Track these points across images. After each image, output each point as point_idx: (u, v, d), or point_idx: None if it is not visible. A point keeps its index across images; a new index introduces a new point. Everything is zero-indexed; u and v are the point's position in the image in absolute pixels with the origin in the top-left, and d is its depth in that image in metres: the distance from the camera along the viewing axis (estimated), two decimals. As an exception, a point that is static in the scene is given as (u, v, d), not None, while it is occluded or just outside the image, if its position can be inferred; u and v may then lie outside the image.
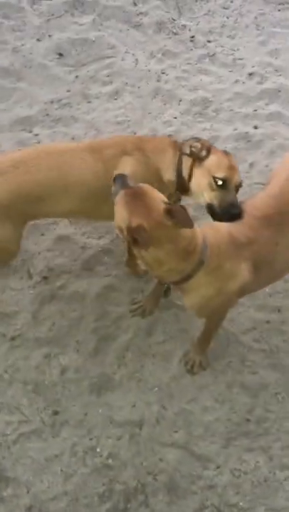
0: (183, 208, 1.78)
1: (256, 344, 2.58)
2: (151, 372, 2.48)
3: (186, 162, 2.24)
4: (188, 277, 1.92)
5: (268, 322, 2.63)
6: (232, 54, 3.54)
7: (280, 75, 3.46)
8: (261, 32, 3.64)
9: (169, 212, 1.77)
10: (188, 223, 1.78)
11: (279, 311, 2.67)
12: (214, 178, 2.16)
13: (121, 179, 1.89)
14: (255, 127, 3.23)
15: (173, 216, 1.76)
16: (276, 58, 3.54)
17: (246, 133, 3.20)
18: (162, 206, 1.78)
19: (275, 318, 2.64)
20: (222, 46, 3.60)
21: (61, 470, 2.21)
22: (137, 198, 1.80)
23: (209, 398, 2.43)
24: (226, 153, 2.25)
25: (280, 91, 3.37)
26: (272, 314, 2.65)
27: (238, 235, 2.05)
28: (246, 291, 2.18)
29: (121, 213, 1.80)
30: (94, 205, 2.30)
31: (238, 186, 2.22)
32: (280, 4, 3.78)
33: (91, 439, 2.29)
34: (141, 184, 1.86)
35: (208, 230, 2.01)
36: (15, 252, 2.38)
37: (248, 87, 3.39)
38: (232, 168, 2.19)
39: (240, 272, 2.04)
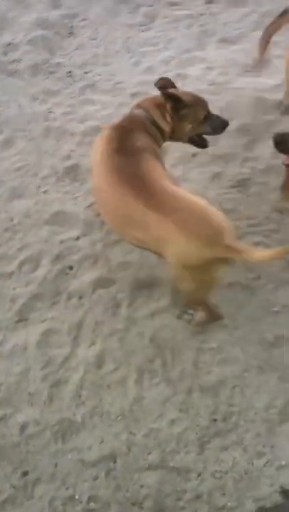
0: None
1: (204, 345, 2.63)
2: (111, 402, 2.46)
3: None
4: None
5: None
6: (110, 80, 3.67)
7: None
8: (132, 54, 3.81)
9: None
10: None
11: (217, 307, 2.74)
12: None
13: None
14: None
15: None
16: (152, 75, 3.70)
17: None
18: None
19: (215, 315, 2.72)
20: (99, 75, 3.73)
21: (45, 530, 2.13)
22: None
23: (173, 410, 2.44)
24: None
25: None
26: (211, 312, 2.72)
27: None
28: None
29: None
30: None
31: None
32: (141, 26, 3.98)
33: (67, 489, 2.22)
34: None
35: None
36: None
37: (134, 107, 3.52)
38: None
39: None
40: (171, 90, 2.49)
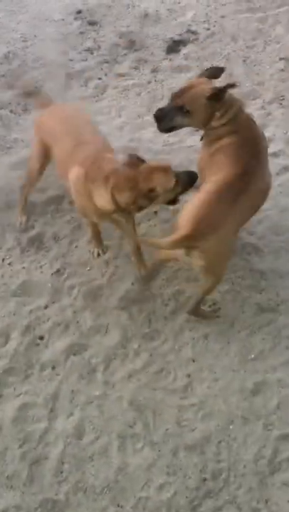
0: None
1: (185, 401, 2.58)
2: (95, 474, 2.35)
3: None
4: None
5: (188, 376, 2.66)
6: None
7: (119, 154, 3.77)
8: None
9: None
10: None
11: (194, 361, 2.71)
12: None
13: None
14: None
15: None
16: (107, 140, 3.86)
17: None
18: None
19: (193, 368, 2.68)
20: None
21: None
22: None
23: (160, 474, 2.34)
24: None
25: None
26: (189, 366, 2.69)
27: None
28: None
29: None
30: None
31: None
32: (93, 97, 4.18)
33: None
34: None
35: None
36: None
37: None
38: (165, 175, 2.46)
39: None
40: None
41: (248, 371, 2.66)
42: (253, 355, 2.72)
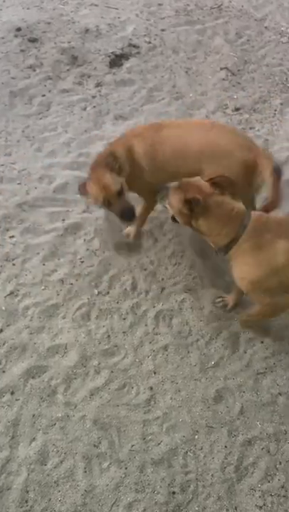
0: (225, 176, 2.35)
1: (149, 415, 2.55)
2: (62, 500, 2.28)
3: None
4: (234, 240, 2.35)
5: (150, 389, 2.64)
6: (14, 169, 3.73)
7: (67, 170, 3.73)
8: (33, 141, 3.92)
9: (213, 183, 2.34)
10: (230, 183, 2.34)
11: (155, 373, 2.70)
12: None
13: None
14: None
15: (218, 186, 2.34)
16: (55, 157, 3.81)
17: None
18: (207, 183, 2.35)
19: (155, 381, 2.66)
20: (2, 165, 3.77)
21: None
22: (184, 184, 2.41)
23: (128, 493, 2.30)
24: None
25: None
26: (150, 379, 2.67)
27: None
28: None
29: (175, 197, 2.40)
30: None
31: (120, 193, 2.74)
32: (38, 114, 4.14)
33: None
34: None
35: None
36: None
37: (43, 190, 3.57)
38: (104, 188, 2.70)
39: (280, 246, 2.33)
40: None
41: (209, 379, 2.67)
42: (212, 363, 2.73)
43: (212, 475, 2.37)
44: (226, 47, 4.72)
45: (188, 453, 2.43)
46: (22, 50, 4.51)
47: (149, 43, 4.71)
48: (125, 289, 3.00)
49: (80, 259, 3.14)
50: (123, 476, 2.35)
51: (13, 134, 3.95)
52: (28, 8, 4.93)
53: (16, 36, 4.62)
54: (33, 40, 4.62)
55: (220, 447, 2.46)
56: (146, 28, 4.86)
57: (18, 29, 4.70)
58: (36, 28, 4.72)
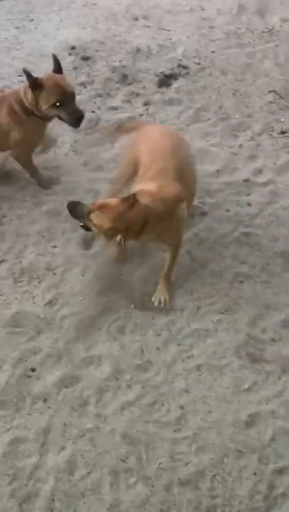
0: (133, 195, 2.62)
1: (179, 434, 2.54)
2: (87, 512, 2.29)
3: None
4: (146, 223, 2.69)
5: (181, 407, 2.63)
6: (61, 182, 3.83)
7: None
8: (80, 155, 4.03)
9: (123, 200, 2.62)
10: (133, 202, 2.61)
11: (187, 392, 2.69)
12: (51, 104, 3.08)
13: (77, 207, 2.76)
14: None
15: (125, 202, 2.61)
16: (102, 173, 3.90)
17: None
18: (117, 201, 2.63)
19: (187, 400, 2.65)
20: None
21: None
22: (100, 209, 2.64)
23: (154, 511, 2.28)
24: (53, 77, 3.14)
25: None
26: (182, 397, 2.66)
27: None
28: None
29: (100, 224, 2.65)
30: None
31: (71, 95, 3.13)
32: (87, 129, 4.25)
33: None
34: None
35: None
36: None
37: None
38: (58, 87, 3.06)
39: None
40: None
41: (242, 402, 2.63)
42: (246, 386, 2.69)
43: (240, 501, 2.32)
44: (275, 70, 4.73)
45: (217, 476, 2.39)
46: (75, 68, 4.67)
47: (199, 64, 4.78)
48: (161, 305, 3.01)
49: (120, 272, 3.17)
50: (149, 493, 2.34)
51: (62, 147, 4.06)
52: (83, 28, 5.11)
53: (70, 54, 4.79)
54: (86, 59, 4.78)
55: (249, 474, 2.41)
56: (196, 49, 4.93)
57: (73, 47, 4.87)
58: (90, 47, 4.88)
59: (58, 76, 3.19)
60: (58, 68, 3.26)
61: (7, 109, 3.26)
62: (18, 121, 3.27)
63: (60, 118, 3.23)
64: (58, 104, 3.10)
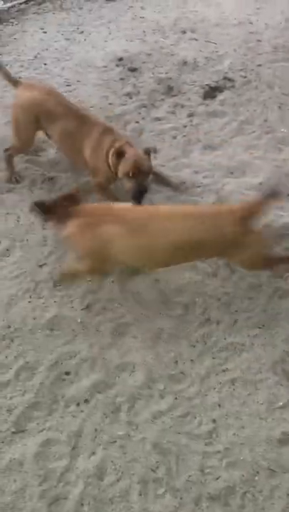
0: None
1: (210, 448, 2.51)
2: (114, 519, 2.29)
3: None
4: None
5: (214, 421, 2.60)
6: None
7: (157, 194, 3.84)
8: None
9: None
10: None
11: (220, 406, 2.65)
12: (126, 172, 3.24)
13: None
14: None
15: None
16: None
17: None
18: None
19: (219, 414, 2.62)
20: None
21: None
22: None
23: (181, 525, 2.26)
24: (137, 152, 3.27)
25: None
26: (214, 411, 2.63)
27: None
28: None
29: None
30: None
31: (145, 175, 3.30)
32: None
33: None
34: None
35: None
36: None
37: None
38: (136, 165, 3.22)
39: None
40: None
41: (276, 420, 2.58)
42: (281, 403, 2.64)
43: (270, 522, 2.27)
44: None
45: (247, 494, 2.35)
46: (121, 79, 4.75)
47: (245, 77, 4.78)
48: (197, 316, 3.00)
49: (156, 279, 3.18)
50: (177, 506, 2.31)
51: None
52: (131, 41, 5.21)
53: (117, 65, 4.89)
54: (133, 70, 4.86)
55: (281, 494, 2.35)
56: (242, 62, 4.93)
57: (120, 59, 4.97)
58: (137, 58, 4.97)
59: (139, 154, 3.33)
60: None
61: (106, 152, 3.40)
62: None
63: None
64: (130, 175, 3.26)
